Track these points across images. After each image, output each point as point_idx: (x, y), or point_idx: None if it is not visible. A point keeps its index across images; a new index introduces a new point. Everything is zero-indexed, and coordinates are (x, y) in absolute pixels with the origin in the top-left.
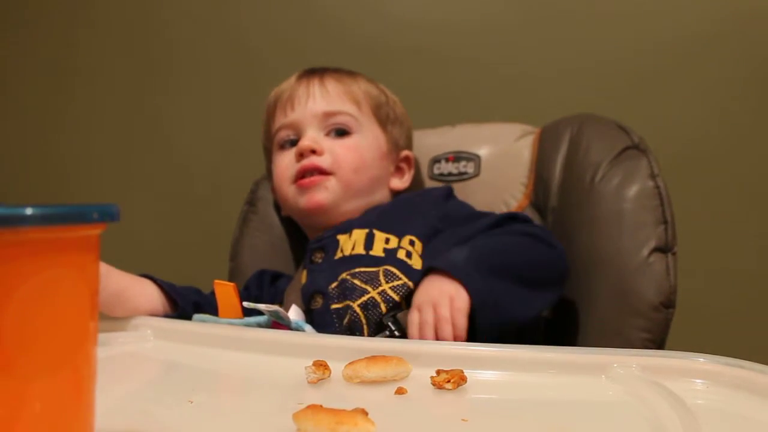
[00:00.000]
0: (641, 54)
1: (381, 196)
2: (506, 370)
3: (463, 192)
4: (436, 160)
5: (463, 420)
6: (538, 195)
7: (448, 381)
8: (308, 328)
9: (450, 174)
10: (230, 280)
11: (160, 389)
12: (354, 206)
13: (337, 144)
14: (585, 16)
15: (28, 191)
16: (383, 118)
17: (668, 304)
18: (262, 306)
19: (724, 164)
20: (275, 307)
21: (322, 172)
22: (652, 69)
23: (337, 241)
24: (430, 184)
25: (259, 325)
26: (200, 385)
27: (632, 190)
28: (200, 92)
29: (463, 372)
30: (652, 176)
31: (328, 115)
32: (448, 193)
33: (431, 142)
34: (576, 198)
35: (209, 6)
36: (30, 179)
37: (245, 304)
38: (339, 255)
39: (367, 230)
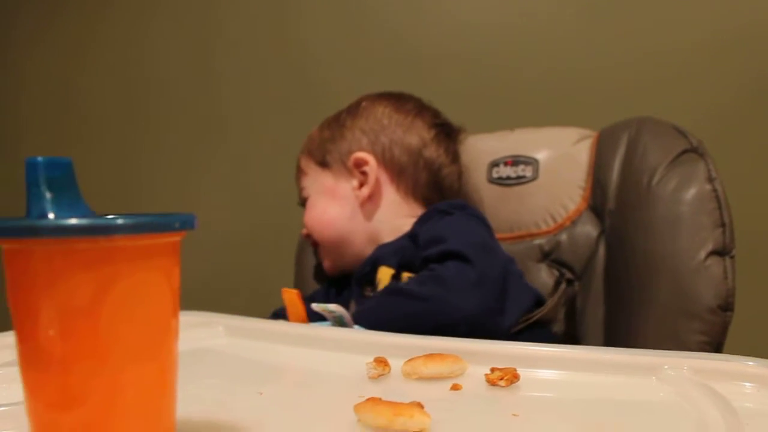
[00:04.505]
0: (701, 55)
1: (368, 226)
2: (559, 369)
3: (521, 196)
4: (494, 164)
5: (513, 415)
6: (596, 198)
7: (502, 378)
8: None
9: (508, 178)
10: (295, 282)
11: (232, 382)
12: (352, 253)
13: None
14: (641, 18)
15: (107, 198)
16: (320, 159)
17: (726, 308)
18: (331, 306)
19: None
20: (342, 311)
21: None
22: (712, 70)
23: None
24: (487, 187)
25: None
26: (269, 379)
27: (689, 194)
28: (266, 97)
29: (516, 370)
30: (710, 180)
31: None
32: (426, 218)
33: (490, 146)
34: (633, 201)
35: (269, 19)
36: (110, 187)
37: (314, 306)
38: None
39: (393, 271)
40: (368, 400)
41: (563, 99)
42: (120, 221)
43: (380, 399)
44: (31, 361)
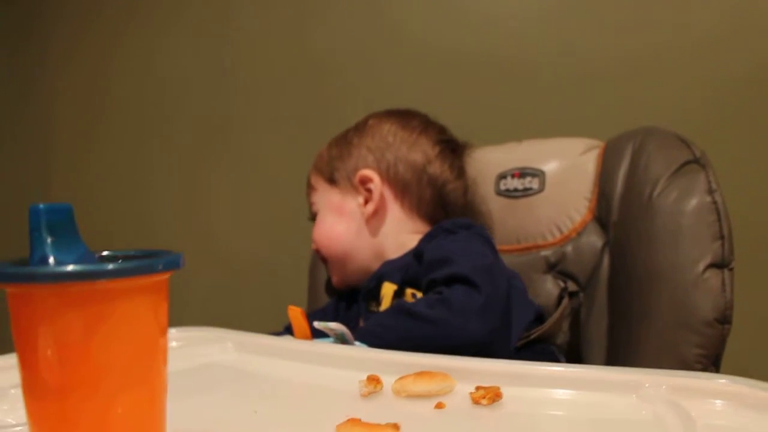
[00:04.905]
0: (710, 57)
1: (373, 242)
2: (545, 387)
3: (528, 208)
4: (502, 176)
5: None
6: (601, 209)
7: (484, 397)
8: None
9: (515, 190)
10: (309, 296)
11: (232, 398)
12: (358, 269)
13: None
14: (654, 20)
15: (124, 211)
16: (329, 176)
17: (723, 320)
18: (332, 324)
19: None
20: (343, 329)
21: (322, 258)
22: (717, 79)
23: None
24: (495, 199)
25: None
26: (267, 395)
27: (690, 205)
28: (282, 106)
29: (499, 389)
30: (710, 191)
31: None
32: (431, 237)
33: (497, 158)
34: (635, 212)
35: (286, 33)
36: (126, 202)
37: (315, 324)
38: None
39: (396, 287)
40: (348, 421)
41: (573, 108)
42: (108, 267)
43: (359, 420)
44: (32, 389)
